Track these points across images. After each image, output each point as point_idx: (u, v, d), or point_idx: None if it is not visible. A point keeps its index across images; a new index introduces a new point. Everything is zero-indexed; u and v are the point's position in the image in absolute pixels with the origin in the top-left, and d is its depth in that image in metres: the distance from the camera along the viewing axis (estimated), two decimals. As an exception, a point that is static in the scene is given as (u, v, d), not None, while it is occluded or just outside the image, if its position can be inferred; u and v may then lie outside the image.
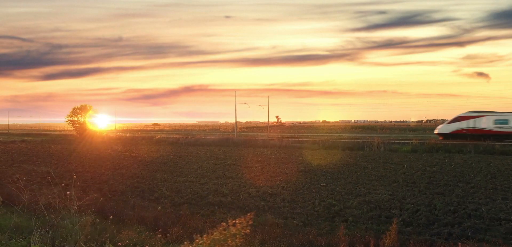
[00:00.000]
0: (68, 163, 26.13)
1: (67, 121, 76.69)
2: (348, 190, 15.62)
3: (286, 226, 10.85)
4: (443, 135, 42.95)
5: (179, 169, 22.01)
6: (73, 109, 76.43)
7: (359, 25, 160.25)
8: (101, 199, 11.90)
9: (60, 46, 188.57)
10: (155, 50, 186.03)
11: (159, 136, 62.49)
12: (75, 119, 75.77)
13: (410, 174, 19.46)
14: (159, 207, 12.45)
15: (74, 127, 75.96)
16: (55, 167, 23.95)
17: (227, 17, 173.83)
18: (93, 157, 30.76)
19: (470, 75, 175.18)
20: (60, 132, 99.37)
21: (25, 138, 68.23)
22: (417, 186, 16.03)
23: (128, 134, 75.61)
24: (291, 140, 45.63)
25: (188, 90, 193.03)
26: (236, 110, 59.08)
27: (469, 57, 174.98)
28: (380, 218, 11.58)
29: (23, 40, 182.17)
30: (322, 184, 16.99)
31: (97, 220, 7.94)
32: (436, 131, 45.43)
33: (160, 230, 8.15)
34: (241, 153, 32.00)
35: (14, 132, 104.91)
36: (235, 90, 68.13)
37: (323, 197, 14.40)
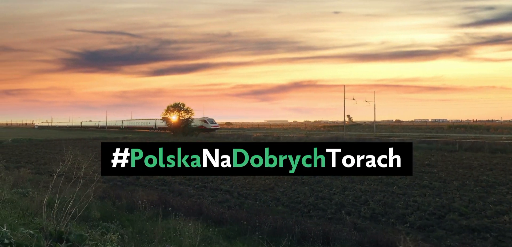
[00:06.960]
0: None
1: (162, 118, 78.09)
2: None
3: None
4: None
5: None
6: (167, 107, 77.46)
7: (468, 20, 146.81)
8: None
9: (168, 42, 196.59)
10: (264, 46, 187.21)
11: (256, 134, 60.02)
12: (169, 116, 76.74)
13: None
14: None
15: (168, 124, 77.00)
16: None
17: (336, 12, 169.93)
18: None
19: None
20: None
21: (128, 134, 70.65)
22: None
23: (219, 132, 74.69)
24: (418, 140, 39.46)
25: (296, 85, 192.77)
26: (344, 106, 54.43)
27: None
28: None
29: (132, 35, 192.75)
30: None
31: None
32: None
33: None
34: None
35: (113, 128, 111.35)
36: (344, 86, 62.47)
37: None
